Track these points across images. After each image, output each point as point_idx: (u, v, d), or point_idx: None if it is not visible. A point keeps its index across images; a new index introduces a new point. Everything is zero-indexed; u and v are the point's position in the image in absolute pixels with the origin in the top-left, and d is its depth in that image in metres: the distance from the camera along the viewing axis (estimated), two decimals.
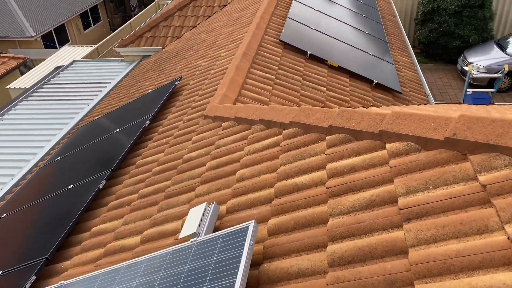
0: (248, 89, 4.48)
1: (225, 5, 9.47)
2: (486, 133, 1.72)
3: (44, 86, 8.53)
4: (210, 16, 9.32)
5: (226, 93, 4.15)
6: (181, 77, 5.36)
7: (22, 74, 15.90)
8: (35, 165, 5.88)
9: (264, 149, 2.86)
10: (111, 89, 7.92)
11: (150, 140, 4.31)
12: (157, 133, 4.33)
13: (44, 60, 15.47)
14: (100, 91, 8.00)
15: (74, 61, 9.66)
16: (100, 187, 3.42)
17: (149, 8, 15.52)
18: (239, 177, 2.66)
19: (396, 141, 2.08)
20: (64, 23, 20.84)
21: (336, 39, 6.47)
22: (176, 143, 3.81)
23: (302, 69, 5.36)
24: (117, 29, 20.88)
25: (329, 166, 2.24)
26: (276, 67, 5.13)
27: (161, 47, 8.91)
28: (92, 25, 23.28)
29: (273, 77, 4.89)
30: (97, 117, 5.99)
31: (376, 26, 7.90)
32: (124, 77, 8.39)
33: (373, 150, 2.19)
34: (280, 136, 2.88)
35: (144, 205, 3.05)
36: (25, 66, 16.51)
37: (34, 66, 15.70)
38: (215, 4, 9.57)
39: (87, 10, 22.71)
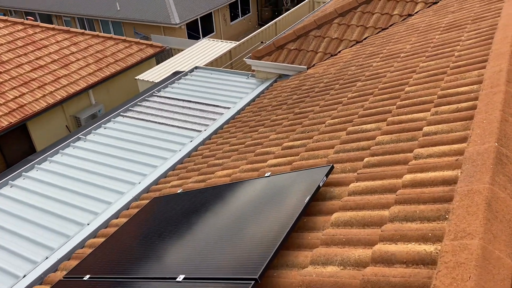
0: None
1: (410, 15, 6.41)
2: None
3: (150, 98, 6.63)
4: (385, 29, 6.36)
5: None
6: (332, 167, 2.62)
7: (158, 63, 14.93)
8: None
9: None
10: (225, 122, 5.57)
11: None
12: None
13: (182, 50, 14.18)
14: (207, 125, 5.73)
15: (196, 67, 7.66)
16: None
17: (302, 5, 13.06)
18: None
19: None
20: (211, 12, 19.72)
21: None
22: None
23: None
24: (264, 24, 19.07)
25: None
26: None
27: (306, 67, 6.30)
28: (239, 17, 21.91)
29: None
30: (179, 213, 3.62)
31: None
32: (248, 104, 5.99)
33: None
34: None
35: None
36: (162, 54, 15.63)
37: (172, 55, 14.66)
38: (395, 12, 6.55)
39: (237, 0, 21.35)
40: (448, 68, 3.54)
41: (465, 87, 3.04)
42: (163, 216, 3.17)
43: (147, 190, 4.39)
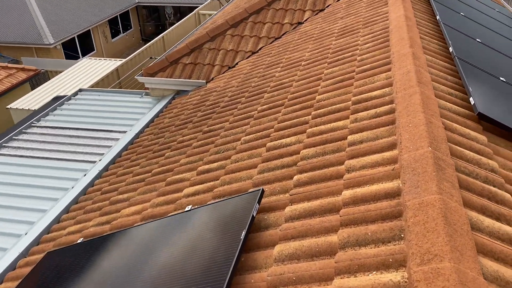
0: None
1: (300, 23, 6.50)
2: None
3: (29, 130, 5.73)
4: (278, 38, 6.36)
5: None
6: (263, 190, 2.35)
7: (33, 88, 13.34)
8: None
9: None
10: (123, 149, 5.00)
11: None
12: None
13: (60, 72, 12.86)
14: (102, 154, 5.11)
15: (80, 90, 6.87)
16: None
17: (187, 19, 12.76)
18: None
19: None
20: (89, 30, 18.40)
21: None
22: None
23: None
24: (148, 39, 18.35)
25: None
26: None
27: (205, 81, 6.00)
28: (121, 33, 20.83)
29: None
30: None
31: None
32: (146, 126, 5.48)
33: None
34: None
35: None
36: (37, 78, 14.04)
37: (50, 79, 13.22)
38: (285, 21, 6.60)
39: (117, 16, 20.28)
40: (354, 72, 3.53)
41: (377, 90, 3.01)
42: (63, 277, 2.58)
43: (37, 241, 3.65)
